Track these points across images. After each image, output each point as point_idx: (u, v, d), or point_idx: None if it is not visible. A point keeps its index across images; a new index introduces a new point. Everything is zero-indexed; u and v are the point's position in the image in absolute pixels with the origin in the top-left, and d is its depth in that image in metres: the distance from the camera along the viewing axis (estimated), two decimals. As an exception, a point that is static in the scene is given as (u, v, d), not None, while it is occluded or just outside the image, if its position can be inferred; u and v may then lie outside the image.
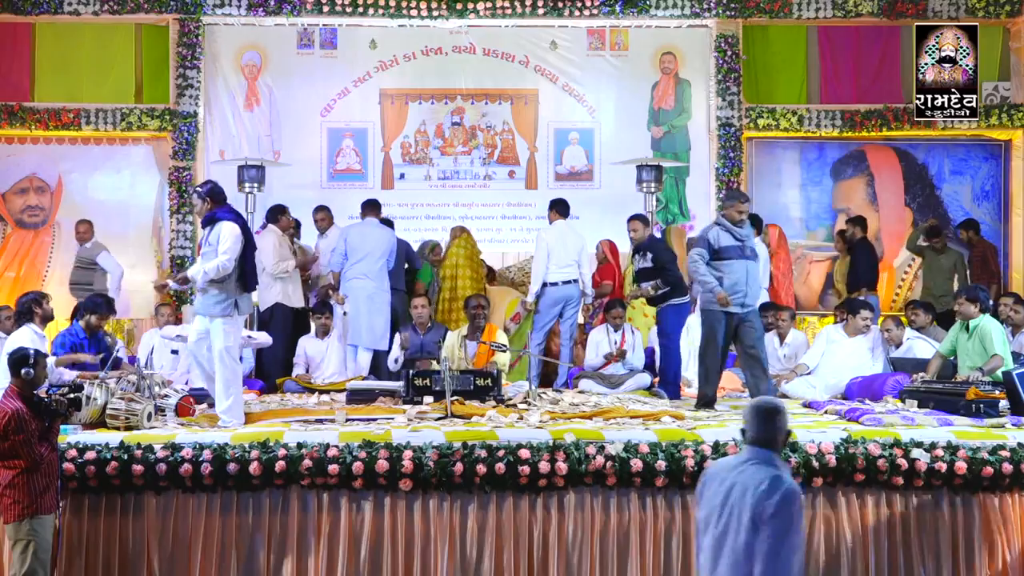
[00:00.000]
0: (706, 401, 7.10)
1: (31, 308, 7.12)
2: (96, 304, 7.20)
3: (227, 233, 6.36)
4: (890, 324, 8.39)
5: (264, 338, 8.06)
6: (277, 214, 9.14)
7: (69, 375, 6.83)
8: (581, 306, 8.89)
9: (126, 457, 5.41)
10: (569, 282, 8.67)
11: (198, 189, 6.63)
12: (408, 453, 5.43)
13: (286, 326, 8.84)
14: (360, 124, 11.19)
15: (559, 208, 9.00)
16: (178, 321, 9.47)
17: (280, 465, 5.39)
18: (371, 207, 9.20)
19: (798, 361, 8.33)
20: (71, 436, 5.57)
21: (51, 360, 6.80)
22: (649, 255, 8.03)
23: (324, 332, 8.60)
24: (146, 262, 10.90)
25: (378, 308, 8.69)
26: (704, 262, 6.91)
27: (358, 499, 5.48)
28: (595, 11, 10.95)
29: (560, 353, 8.82)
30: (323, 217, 9.50)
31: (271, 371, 8.68)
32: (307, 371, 8.53)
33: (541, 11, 10.94)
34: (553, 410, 6.76)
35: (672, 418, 6.38)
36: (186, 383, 7.86)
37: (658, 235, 9.78)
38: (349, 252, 8.75)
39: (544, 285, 8.68)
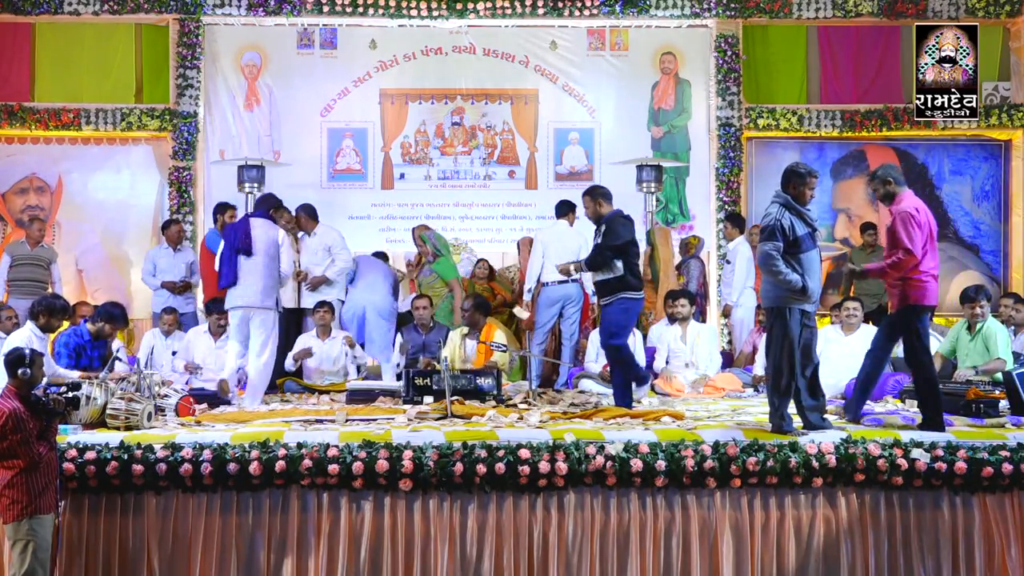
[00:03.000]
0: (817, 413, 5.99)
1: (35, 311, 7.10)
2: (113, 316, 7.16)
3: None
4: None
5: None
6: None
7: (72, 374, 6.83)
8: (582, 305, 8.89)
9: (126, 457, 5.41)
10: (566, 282, 8.67)
11: None
12: (408, 453, 5.43)
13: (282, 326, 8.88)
14: (360, 124, 11.20)
15: (562, 210, 9.01)
16: (178, 325, 9.45)
17: (280, 465, 5.39)
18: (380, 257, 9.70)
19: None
20: (71, 436, 5.56)
21: (72, 373, 6.82)
22: (603, 228, 6.96)
23: (326, 332, 8.57)
24: (146, 262, 10.91)
25: (387, 320, 8.88)
26: (780, 256, 5.75)
27: (358, 499, 5.48)
28: (595, 11, 10.97)
29: (561, 353, 8.83)
30: (306, 219, 9.12)
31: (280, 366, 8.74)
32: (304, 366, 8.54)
33: (541, 11, 10.95)
34: (553, 410, 6.77)
35: (672, 418, 6.39)
36: (186, 383, 7.88)
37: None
38: (357, 275, 9.04)
39: (544, 285, 8.70)
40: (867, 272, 6.50)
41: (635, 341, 8.54)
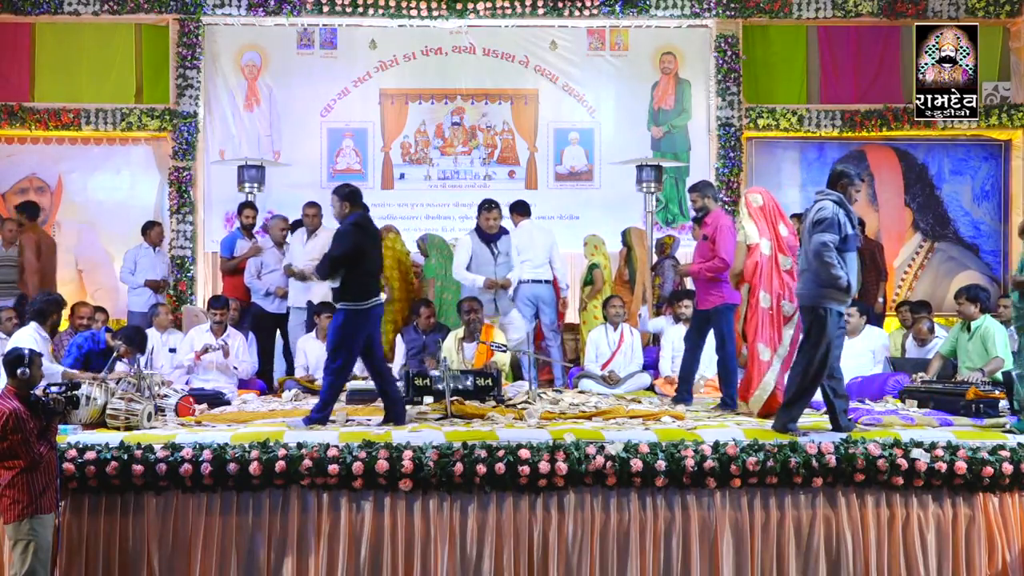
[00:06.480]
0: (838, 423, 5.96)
1: (45, 310, 7.09)
2: (131, 340, 7.14)
3: None
4: (923, 324, 8.39)
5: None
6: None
7: (57, 368, 6.83)
8: (559, 302, 8.95)
9: (126, 457, 5.41)
10: (540, 281, 8.67)
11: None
12: (408, 453, 5.44)
13: (258, 326, 9.03)
14: (360, 124, 11.20)
15: (519, 210, 9.03)
16: (176, 323, 9.47)
17: (280, 465, 5.39)
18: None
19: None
20: (71, 436, 5.57)
21: (59, 368, 6.82)
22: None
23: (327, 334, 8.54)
24: (146, 262, 10.90)
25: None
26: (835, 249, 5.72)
27: (358, 499, 5.48)
28: (595, 11, 10.97)
29: (550, 353, 8.84)
30: (314, 214, 8.98)
31: (265, 370, 8.78)
32: (307, 372, 8.52)
33: (541, 11, 10.95)
34: (553, 410, 6.77)
35: (672, 418, 6.39)
36: (186, 383, 7.88)
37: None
38: None
39: (520, 283, 8.71)
40: (688, 272, 7.63)
41: (634, 340, 8.57)
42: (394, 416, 6.31)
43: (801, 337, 6.04)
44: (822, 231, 5.72)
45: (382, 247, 6.61)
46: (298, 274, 8.87)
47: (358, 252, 6.25)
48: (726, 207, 10.85)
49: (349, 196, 6.44)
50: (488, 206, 8.40)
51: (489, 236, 8.30)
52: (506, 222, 8.90)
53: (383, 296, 6.49)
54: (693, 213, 8.09)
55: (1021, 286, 6.06)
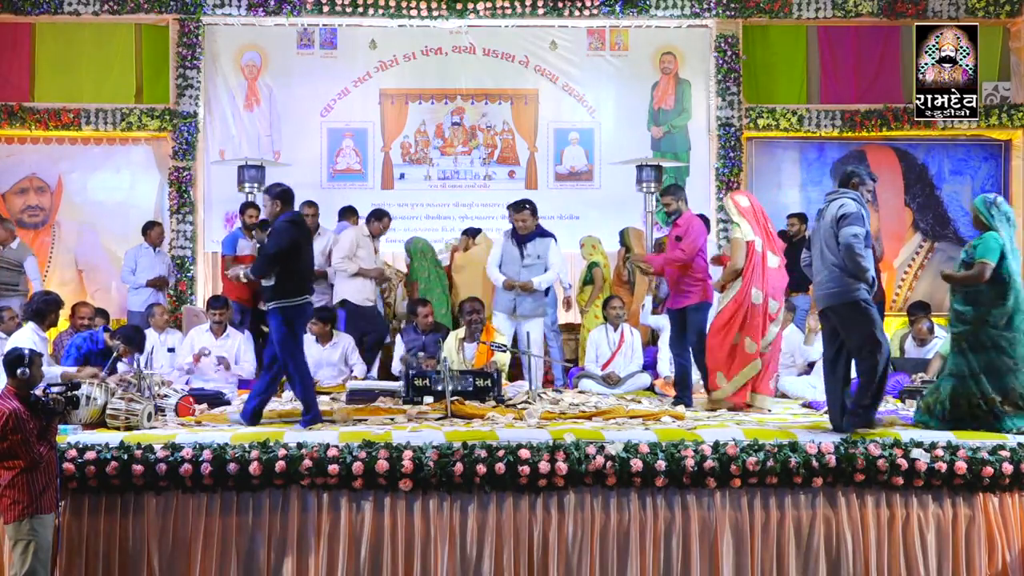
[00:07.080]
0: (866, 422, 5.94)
1: (43, 310, 7.09)
2: (131, 339, 7.15)
3: None
4: (922, 324, 8.41)
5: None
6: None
7: (56, 370, 6.84)
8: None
9: (126, 457, 5.41)
10: None
11: None
12: (408, 453, 5.44)
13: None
14: (360, 124, 11.20)
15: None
16: (176, 323, 9.47)
17: (280, 465, 5.39)
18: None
19: (796, 360, 8.35)
20: (71, 436, 5.57)
21: (57, 370, 6.82)
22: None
23: (327, 338, 8.55)
24: (146, 262, 10.89)
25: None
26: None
27: (358, 499, 5.48)
28: (595, 11, 10.97)
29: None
30: (312, 213, 9.03)
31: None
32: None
33: (541, 11, 10.95)
34: (553, 410, 6.77)
35: (672, 418, 6.40)
36: (186, 383, 7.88)
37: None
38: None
39: None
40: (651, 266, 7.59)
41: (634, 340, 8.57)
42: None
43: (825, 341, 6.02)
44: (849, 224, 5.76)
45: (314, 245, 6.67)
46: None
47: (293, 248, 6.26)
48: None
49: (281, 195, 6.44)
50: (516, 207, 8.37)
51: (519, 236, 8.32)
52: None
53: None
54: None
55: (949, 279, 6.22)
